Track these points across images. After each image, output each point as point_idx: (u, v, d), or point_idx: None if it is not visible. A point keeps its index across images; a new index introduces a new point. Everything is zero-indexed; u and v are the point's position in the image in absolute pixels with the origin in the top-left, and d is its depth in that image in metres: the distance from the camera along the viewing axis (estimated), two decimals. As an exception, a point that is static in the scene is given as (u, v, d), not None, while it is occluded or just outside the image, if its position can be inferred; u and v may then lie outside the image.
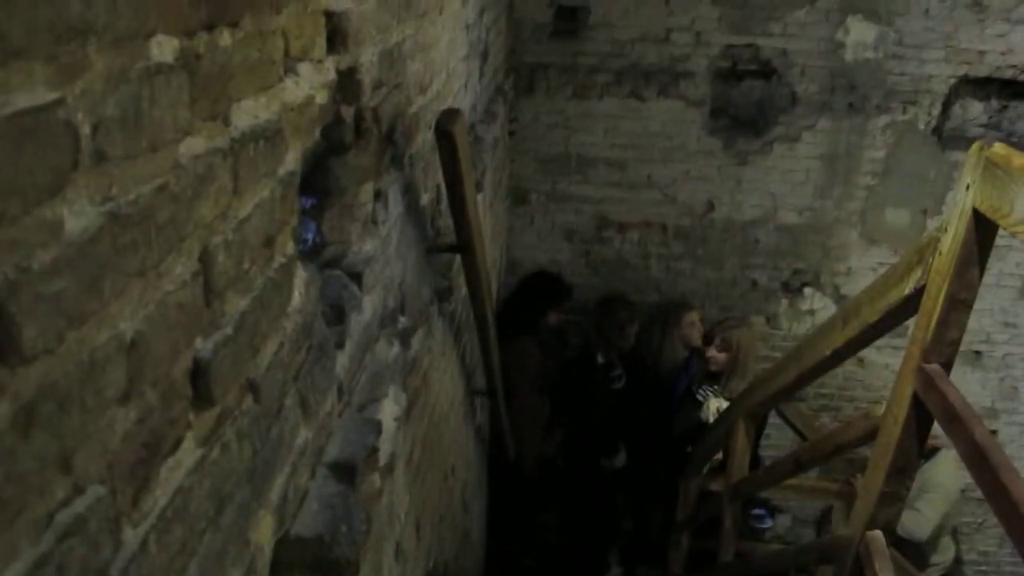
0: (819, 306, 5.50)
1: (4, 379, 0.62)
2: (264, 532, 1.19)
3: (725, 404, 4.63)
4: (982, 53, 4.88)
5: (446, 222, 2.53)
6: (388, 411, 1.81)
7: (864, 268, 5.37)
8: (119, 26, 0.73)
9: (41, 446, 0.67)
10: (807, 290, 5.49)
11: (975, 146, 1.93)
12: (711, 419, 4.65)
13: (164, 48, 0.82)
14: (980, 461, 1.71)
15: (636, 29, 4.96)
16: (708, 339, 5.02)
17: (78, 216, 0.70)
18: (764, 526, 5.90)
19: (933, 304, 2.02)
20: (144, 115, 0.79)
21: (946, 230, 2.00)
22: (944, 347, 2.04)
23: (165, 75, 0.83)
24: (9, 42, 0.59)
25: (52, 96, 0.65)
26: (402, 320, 2.07)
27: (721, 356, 4.89)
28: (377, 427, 1.62)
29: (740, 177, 5.24)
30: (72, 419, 0.71)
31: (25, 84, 0.61)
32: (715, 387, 4.85)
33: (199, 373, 0.96)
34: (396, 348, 1.97)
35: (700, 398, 4.83)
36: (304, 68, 1.30)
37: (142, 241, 0.80)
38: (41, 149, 0.64)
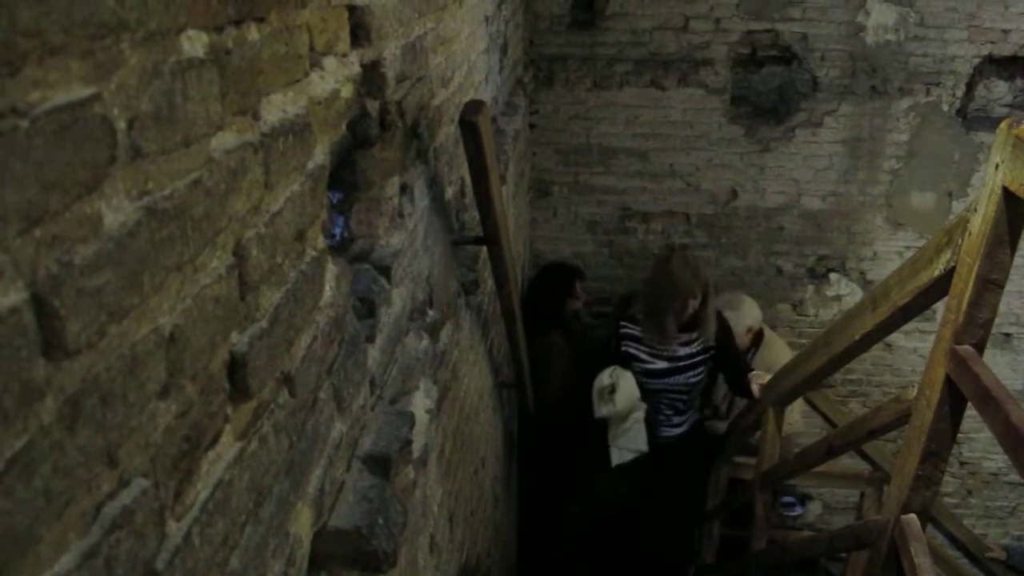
0: (845, 292, 5.46)
1: (50, 374, 0.63)
2: (303, 524, 1.20)
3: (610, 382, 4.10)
4: (1006, 32, 4.82)
5: (471, 215, 2.53)
6: (419, 404, 1.82)
7: (890, 252, 5.33)
8: (151, 22, 0.74)
9: (87, 440, 0.68)
10: (833, 276, 5.45)
11: (1004, 124, 1.90)
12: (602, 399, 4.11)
13: (195, 43, 0.83)
14: (1016, 443, 1.70)
15: (654, 18, 4.94)
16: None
17: (116, 211, 0.70)
18: (794, 514, 5.88)
19: (964, 285, 2.00)
20: (177, 110, 0.80)
21: (976, 210, 1.98)
22: (976, 328, 2.02)
23: (196, 70, 0.83)
24: (46, 40, 0.59)
25: (88, 92, 0.65)
26: (431, 313, 2.08)
27: None
28: (410, 420, 1.62)
29: (763, 164, 5.21)
30: (116, 413, 0.72)
31: (62, 80, 0.62)
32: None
33: (236, 367, 0.97)
34: (425, 341, 1.97)
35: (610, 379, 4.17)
36: (329, 62, 1.30)
37: (178, 235, 0.81)
38: (79, 144, 0.65)
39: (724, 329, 4.29)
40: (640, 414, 4.10)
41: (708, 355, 4.24)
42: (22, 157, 0.57)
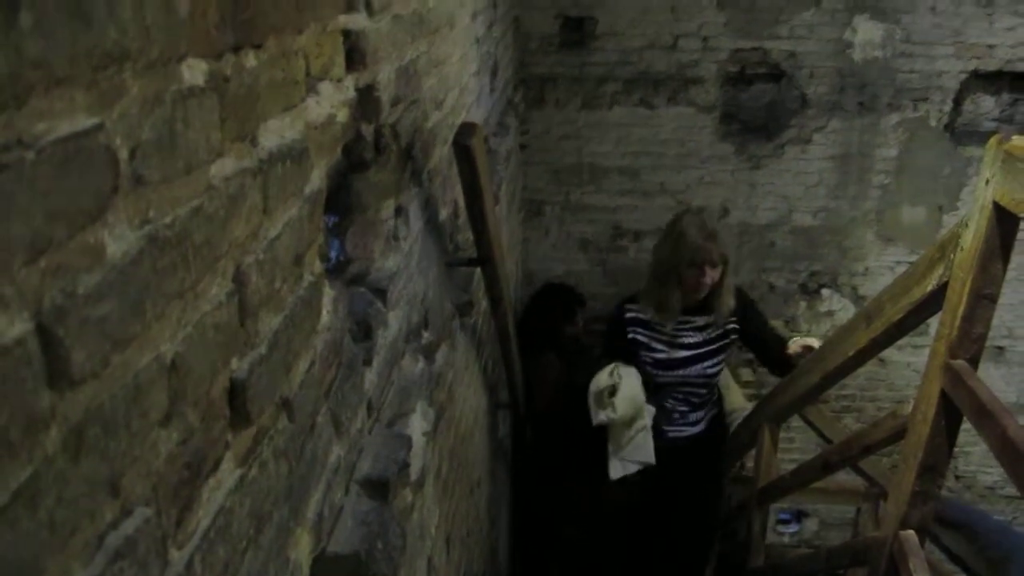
0: (838, 307, 5.47)
1: (54, 404, 0.63)
2: (302, 550, 1.20)
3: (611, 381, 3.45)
4: (991, 47, 4.87)
5: (465, 236, 2.54)
6: (417, 426, 1.81)
7: (881, 267, 5.35)
8: (152, 51, 0.74)
9: (90, 469, 0.68)
10: (825, 291, 5.47)
11: (993, 140, 1.92)
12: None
13: (195, 71, 0.83)
14: (1012, 456, 1.70)
15: (643, 37, 4.97)
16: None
17: (119, 240, 0.71)
18: (790, 531, 5.88)
19: (957, 300, 2.02)
20: (178, 137, 0.80)
21: (967, 225, 2.00)
22: (970, 343, 2.03)
23: (197, 97, 0.84)
24: (52, 70, 0.59)
25: (92, 121, 0.65)
26: (426, 335, 2.08)
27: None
28: (407, 442, 1.62)
29: (753, 181, 5.24)
30: (119, 442, 0.72)
31: (67, 110, 0.62)
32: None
33: (236, 393, 0.97)
34: (421, 363, 1.97)
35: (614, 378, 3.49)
36: (325, 87, 1.31)
37: (180, 263, 0.81)
38: (83, 174, 0.65)
39: (744, 301, 3.70)
40: (646, 421, 3.48)
41: (728, 340, 3.65)
42: (28, 188, 0.57)
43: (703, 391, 3.76)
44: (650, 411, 3.49)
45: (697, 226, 3.41)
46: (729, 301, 3.56)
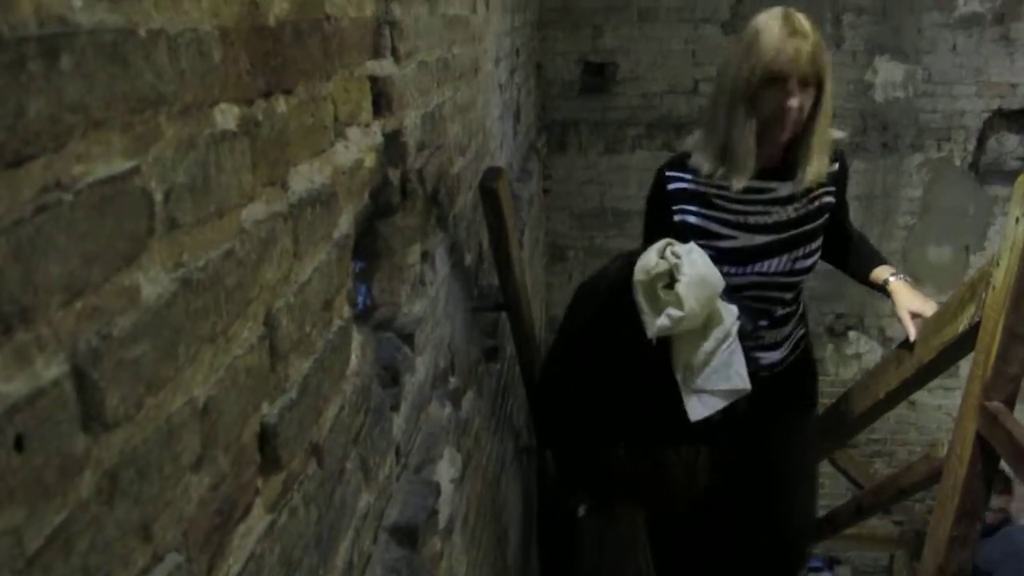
0: (865, 349, 5.42)
1: (89, 447, 0.62)
2: (332, 598, 1.18)
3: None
4: (1014, 86, 4.87)
5: (490, 281, 2.54)
6: (444, 473, 1.80)
7: (909, 309, 5.30)
8: (187, 95, 0.75)
9: (124, 514, 0.67)
10: (852, 334, 5.42)
11: (1022, 178, 1.91)
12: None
13: (227, 115, 0.84)
14: (1055, 498, 1.67)
15: (664, 81, 5.01)
16: None
17: (153, 282, 0.71)
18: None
19: (990, 340, 1.99)
20: (211, 181, 0.80)
21: (998, 264, 1.98)
22: (1005, 383, 2.00)
23: (229, 142, 0.84)
24: (90, 114, 0.60)
25: (128, 165, 0.66)
26: (452, 381, 2.07)
27: None
28: (436, 489, 1.61)
29: (777, 223, 5.22)
30: (151, 486, 0.71)
31: (104, 154, 0.62)
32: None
33: (266, 437, 0.96)
34: (448, 409, 1.96)
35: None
36: (353, 132, 1.32)
37: (212, 306, 0.81)
38: (119, 217, 0.65)
39: (843, 167, 2.40)
40: (728, 325, 2.16)
41: (824, 220, 2.35)
42: (65, 230, 0.58)
43: (788, 296, 2.43)
44: (731, 310, 2.18)
45: (781, 20, 2.09)
46: (822, 157, 2.22)
